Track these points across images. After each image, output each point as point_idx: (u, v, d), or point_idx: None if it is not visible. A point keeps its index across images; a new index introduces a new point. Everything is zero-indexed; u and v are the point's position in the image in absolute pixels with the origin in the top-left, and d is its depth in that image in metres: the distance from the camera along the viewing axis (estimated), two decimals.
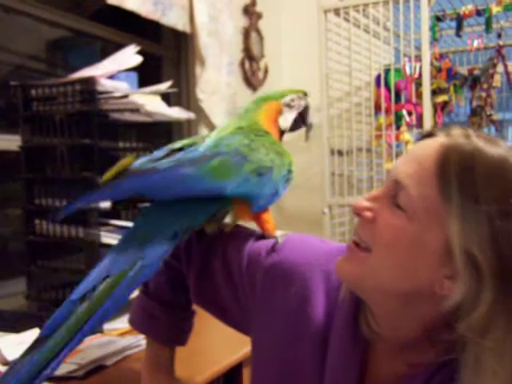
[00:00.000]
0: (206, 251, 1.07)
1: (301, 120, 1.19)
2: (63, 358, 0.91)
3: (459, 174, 0.74)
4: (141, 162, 1.02)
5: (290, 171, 1.09)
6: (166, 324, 1.14)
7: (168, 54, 2.86)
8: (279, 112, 1.15)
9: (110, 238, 1.64)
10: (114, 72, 1.75)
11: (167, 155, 1.03)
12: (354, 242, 0.83)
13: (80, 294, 0.91)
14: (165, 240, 0.96)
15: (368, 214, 0.80)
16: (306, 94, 1.20)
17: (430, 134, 0.83)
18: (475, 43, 2.87)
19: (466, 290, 0.73)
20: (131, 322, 1.19)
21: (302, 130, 1.23)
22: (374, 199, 0.82)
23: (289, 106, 1.16)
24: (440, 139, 0.79)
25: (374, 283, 0.81)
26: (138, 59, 1.83)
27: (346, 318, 0.89)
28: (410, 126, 2.63)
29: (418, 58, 2.57)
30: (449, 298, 0.75)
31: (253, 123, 1.11)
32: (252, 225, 1.10)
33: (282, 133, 1.17)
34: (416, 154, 0.80)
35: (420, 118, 2.55)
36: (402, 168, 0.80)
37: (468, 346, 0.74)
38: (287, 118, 1.16)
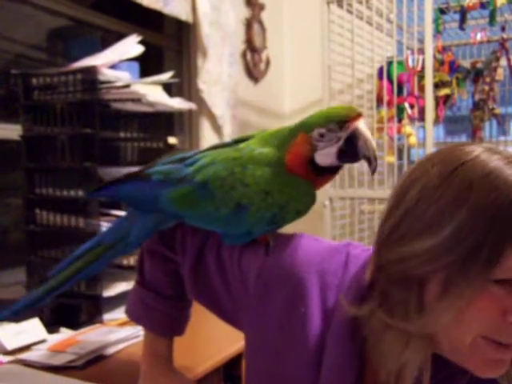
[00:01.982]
0: (200, 246, 1.06)
1: (350, 153, 0.94)
2: (56, 294, 1.18)
3: None
4: (158, 165, 1.09)
5: (281, 210, 0.97)
6: (163, 314, 1.14)
7: (170, 45, 2.85)
8: (311, 147, 0.95)
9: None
10: (115, 61, 1.75)
11: (181, 160, 1.06)
12: (496, 343, 0.74)
13: (80, 252, 1.13)
14: (149, 225, 1.08)
15: None
16: (345, 121, 0.92)
17: None
18: (478, 36, 2.85)
19: None
20: (128, 312, 1.18)
21: None
22: None
23: (321, 140, 0.94)
24: None
25: None
26: (140, 49, 1.82)
27: (344, 318, 0.87)
28: (411, 119, 2.62)
29: (421, 51, 2.56)
30: None
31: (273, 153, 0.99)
32: None
33: (321, 168, 0.97)
34: None
35: (422, 111, 2.54)
36: None
37: None
38: (324, 154, 0.94)
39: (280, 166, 0.98)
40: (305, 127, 0.96)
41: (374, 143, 0.91)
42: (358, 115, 0.92)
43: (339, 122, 0.92)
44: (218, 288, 1.04)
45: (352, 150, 0.93)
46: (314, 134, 0.94)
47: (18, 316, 1.29)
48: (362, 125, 0.92)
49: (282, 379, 0.93)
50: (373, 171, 0.93)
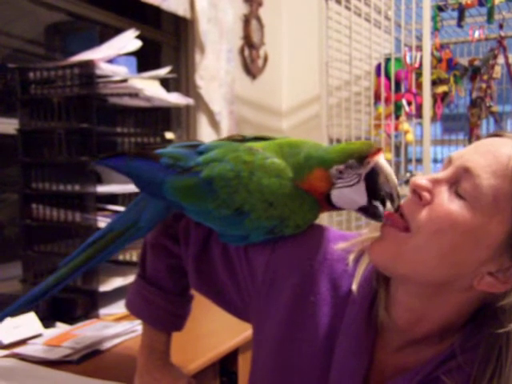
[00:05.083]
0: (205, 238, 1.06)
1: (370, 192, 0.88)
2: (67, 283, 1.19)
3: None
4: (171, 146, 1.08)
5: (281, 223, 0.95)
6: (163, 309, 1.13)
7: (168, 40, 2.84)
8: (328, 185, 0.91)
9: (106, 223, 1.63)
10: (113, 56, 1.74)
11: (195, 146, 1.05)
12: (390, 215, 0.83)
13: (92, 239, 1.15)
14: (160, 209, 1.08)
15: (427, 195, 0.79)
16: (365, 157, 0.86)
17: (496, 135, 0.82)
18: (476, 34, 2.86)
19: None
20: (128, 306, 1.18)
21: None
22: (435, 182, 0.80)
23: (340, 177, 0.89)
24: None
25: (410, 268, 0.79)
26: (138, 43, 1.82)
27: (360, 306, 0.88)
28: (409, 116, 2.63)
29: (419, 48, 2.56)
30: (483, 293, 0.78)
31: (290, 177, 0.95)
32: None
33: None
34: (490, 148, 0.78)
35: (419, 108, 2.54)
36: (474, 157, 0.78)
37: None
38: (342, 194, 0.90)
39: (288, 179, 0.94)
40: (323, 163, 0.90)
41: (395, 179, 0.86)
42: (378, 150, 0.87)
43: (359, 158, 0.87)
44: (224, 280, 1.04)
45: (372, 187, 0.87)
46: (332, 171, 0.89)
47: (29, 307, 1.28)
48: (382, 160, 0.87)
49: (290, 369, 0.93)
50: (396, 209, 0.84)
